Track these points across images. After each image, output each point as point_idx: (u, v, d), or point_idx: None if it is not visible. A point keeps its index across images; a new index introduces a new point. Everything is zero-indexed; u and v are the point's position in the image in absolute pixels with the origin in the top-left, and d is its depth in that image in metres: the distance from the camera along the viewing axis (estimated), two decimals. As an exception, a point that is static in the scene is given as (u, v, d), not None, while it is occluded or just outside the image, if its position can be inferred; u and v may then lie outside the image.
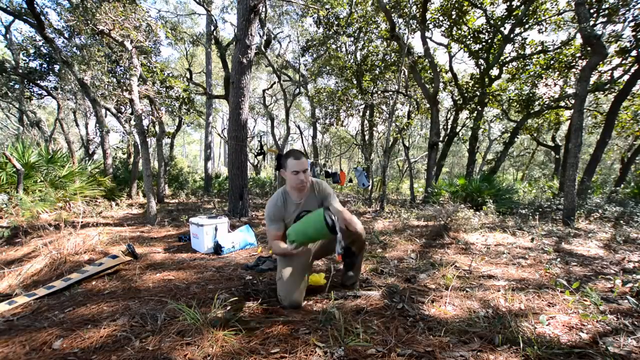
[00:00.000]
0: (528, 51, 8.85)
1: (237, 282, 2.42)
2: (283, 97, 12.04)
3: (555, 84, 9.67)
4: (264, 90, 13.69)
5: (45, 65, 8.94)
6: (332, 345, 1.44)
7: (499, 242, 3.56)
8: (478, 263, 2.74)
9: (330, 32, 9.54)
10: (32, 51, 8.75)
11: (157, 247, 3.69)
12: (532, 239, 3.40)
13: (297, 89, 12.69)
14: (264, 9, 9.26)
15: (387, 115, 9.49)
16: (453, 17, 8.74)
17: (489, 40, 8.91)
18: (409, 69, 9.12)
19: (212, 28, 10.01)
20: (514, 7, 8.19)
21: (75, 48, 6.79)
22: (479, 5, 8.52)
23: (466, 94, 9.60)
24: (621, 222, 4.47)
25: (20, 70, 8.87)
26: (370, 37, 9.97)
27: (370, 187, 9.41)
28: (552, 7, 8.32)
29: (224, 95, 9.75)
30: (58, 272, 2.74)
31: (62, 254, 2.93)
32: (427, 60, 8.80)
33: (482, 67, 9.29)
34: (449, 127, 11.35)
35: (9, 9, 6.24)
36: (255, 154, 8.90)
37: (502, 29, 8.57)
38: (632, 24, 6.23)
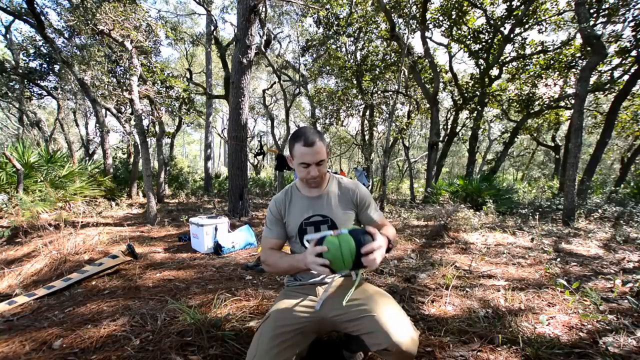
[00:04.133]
0: (528, 51, 8.85)
1: (237, 282, 2.42)
2: (283, 97, 12.04)
3: (555, 84, 9.67)
4: (264, 90, 13.69)
5: (45, 65, 8.94)
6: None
7: (499, 242, 3.56)
8: (478, 263, 2.74)
9: (330, 32, 9.53)
10: (32, 51, 8.75)
11: (157, 247, 3.69)
12: (532, 239, 3.40)
13: (297, 89, 12.69)
14: (264, 9, 9.26)
15: (387, 115, 9.50)
16: (453, 17, 8.74)
17: (489, 40, 8.91)
18: (409, 69, 9.12)
19: (212, 28, 10.01)
20: (514, 7, 8.19)
21: (75, 48, 6.78)
22: (479, 5, 8.52)
23: (466, 94, 9.60)
24: (621, 222, 4.47)
25: (20, 70, 8.87)
26: (370, 37, 9.97)
27: (370, 187, 9.41)
28: (552, 7, 8.32)
29: (224, 95, 9.75)
30: (58, 272, 2.74)
31: (62, 253, 2.94)
32: (427, 60, 8.80)
33: (482, 67, 9.28)
34: (449, 127, 11.35)
35: (9, 9, 6.24)
36: (255, 154, 8.89)
37: (502, 29, 8.57)
38: (632, 24, 6.23)
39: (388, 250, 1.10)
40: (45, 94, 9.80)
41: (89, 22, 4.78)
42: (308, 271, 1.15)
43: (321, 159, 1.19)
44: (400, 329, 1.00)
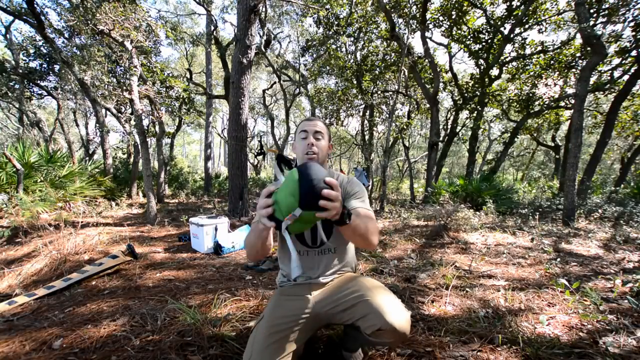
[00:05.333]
0: (528, 51, 8.85)
1: (237, 282, 2.42)
2: (283, 97, 12.04)
3: (555, 84, 9.66)
4: (264, 90, 13.69)
5: (45, 65, 8.93)
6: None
7: (499, 242, 3.56)
8: (478, 263, 2.74)
9: (330, 32, 9.53)
10: (32, 51, 8.75)
11: (157, 247, 3.69)
12: (532, 239, 3.40)
13: (297, 89, 12.69)
14: (264, 9, 9.26)
15: (387, 115, 9.49)
16: (453, 17, 8.74)
17: (489, 40, 8.91)
18: (409, 69, 9.11)
19: (212, 28, 10.01)
20: (514, 7, 8.18)
21: (75, 48, 6.78)
22: (479, 5, 8.51)
23: (466, 94, 9.60)
24: (621, 222, 4.47)
25: (20, 70, 8.86)
26: (370, 37, 9.97)
27: (370, 187, 9.41)
28: (552, 7, 8.32)
29: (224, 95, 9.75)
30: (58, 272, 2.74)
31: (62, 253, 2.94)
32: (427, 60, 8.80)
33: (482, 67, 9.28)
34: (449, 127, 11.34)
35: (9, 9, 6.23)
36: (255, 154, 8.89)
37: (502, 29, 8.56)
38: (632, 24, 6.23)
39: (341, 221, 0.93)
40: (45, 94, 9.80)
41: (89, 22, 4.78)
42: (266, 238, 1.04)
43: (319, 130, 1.26)
44: (393, 309, 1.03)
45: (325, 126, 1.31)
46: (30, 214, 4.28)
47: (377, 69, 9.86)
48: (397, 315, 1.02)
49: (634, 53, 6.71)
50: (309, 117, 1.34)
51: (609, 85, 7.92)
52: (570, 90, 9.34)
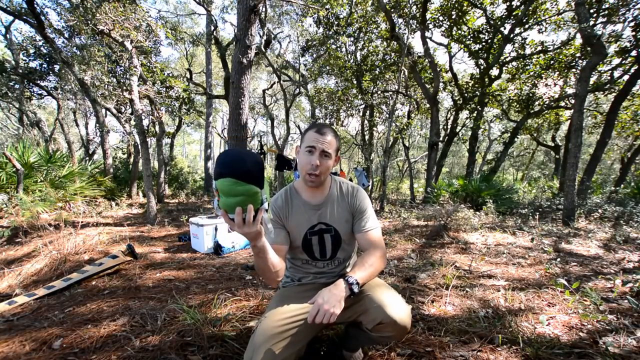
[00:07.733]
0: (528, 51, 8.85)
1: (237, 282, 2.42)
2: (283, 97, 12.04)
3: (555, 84, 9.67)
4: (264, 90, 13.68)
5: (45, 65, 8.94)
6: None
7: (499, 242, 3.56)
8: (478, 263, 2.74)
9: (330, 32, 9.53)
10: (32, 51, 8.75)
11: (157, 247, 3.69)
12: (532, 239, 3.40)
13: (297, 89, 12.69)
14: (264, 9, 9.26)
15: (387, 115, 9.50)
16: (453, 17, 8.74)
17: (489, 40, 8.91)
18: (409, 69, 9.12)
19: (212, 28, 10.01)
20: (514, 7, 8.18)
21: (75, 48, 6.78)
22: (479, 5, 8.51)
23: (466, 94, 9.60)
24: (621, 222, 4.47)
25: (20, 70, 8.87)
26: (370, 37, 9.97)
27: (370, 187, 9.41)
28: (552, 7, 8.31)
29: (224, 95, 9.75)
30: (58, 272, 2.74)
31: (62, 253, 2.94)
32: (427, 60, 8.80)
33: (482, 67, 9.28)
34: (449, 127, 11.35)
35: (9, 9, 6.23)
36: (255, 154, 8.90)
37: (502, 29, 8.56)
38: (632, 24, 6.23)
39: (352, 294, 1.04)
40: (45, 94, 9.81)
41: (89, 22, 4.78)
42: (265, 254, 0.99)
43: (327, 149, 1.15)
44: (394, 303, 1.06)
45: (336, 138, 1.19)
46: (30, 214, 4.28)
47: (377, 69, 9.86)
48: (398, 308, 1.05)
49: (634, 53, 6.71)
50: (321, 127, 1.17)
51: (609, 85, 7.92)
52: (570, 90, 9.34)
